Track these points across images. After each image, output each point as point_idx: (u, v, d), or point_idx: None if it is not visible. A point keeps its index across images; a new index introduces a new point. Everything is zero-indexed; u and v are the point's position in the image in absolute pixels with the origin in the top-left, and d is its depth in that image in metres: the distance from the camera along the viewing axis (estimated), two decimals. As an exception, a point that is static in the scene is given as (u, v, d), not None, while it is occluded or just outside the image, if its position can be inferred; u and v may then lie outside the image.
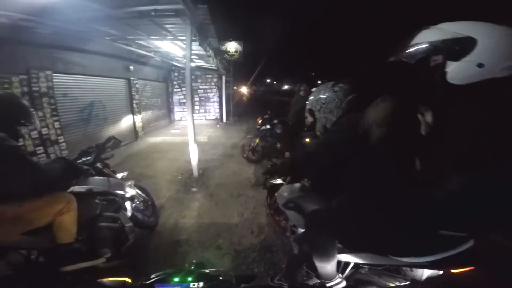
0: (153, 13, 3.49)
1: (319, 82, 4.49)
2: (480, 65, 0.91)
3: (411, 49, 1.08)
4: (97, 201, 2.03)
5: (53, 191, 1.74)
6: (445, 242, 1.13)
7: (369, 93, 1.49)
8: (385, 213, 1.15)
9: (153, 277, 0.69)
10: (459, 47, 0.94)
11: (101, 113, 6.14)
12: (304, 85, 4.32)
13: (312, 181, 1.89)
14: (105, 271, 1.91)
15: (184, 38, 4.89)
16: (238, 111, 13.66)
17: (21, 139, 2.00)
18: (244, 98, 17.48)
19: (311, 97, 1.64)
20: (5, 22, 3.25)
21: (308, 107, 1.66)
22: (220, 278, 0.68)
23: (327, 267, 1.44)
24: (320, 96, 1.58)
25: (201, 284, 0.64)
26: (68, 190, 1.89)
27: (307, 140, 4.05)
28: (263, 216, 3.28)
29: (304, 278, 1.77)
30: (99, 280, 0.66)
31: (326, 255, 1.42)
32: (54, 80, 4.54)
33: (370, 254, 1.35)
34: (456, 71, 0.97)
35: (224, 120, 11.53)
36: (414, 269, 1.37)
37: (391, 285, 1.42)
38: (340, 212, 1.42)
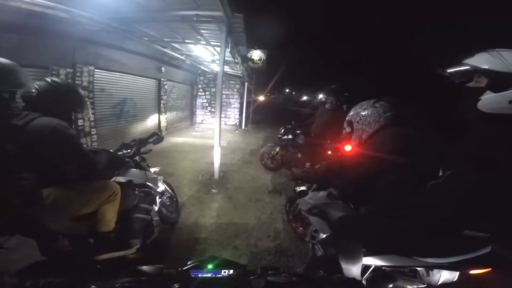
0: (195, 18, 3.68)
1: (345, 94, 4.49)
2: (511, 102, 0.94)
3: (464, 68, 1.06)
4: (136, 192, 2.08)
5: (101, 180, 1.83)
6: (467, 243, 1.17)
7: (407, 111, 1.60)
8: (413, 217, 1.20)
9: (189, 263, 0.74)
10: (507, 82, 0.94)
11: (132, 110, 6.39)
12: (331, 99, 4.34)
13: (341, 189, 1.94)
14: (134, 261, 1.96)
15: (216, 43, 5.12)
16: (256, 118, 13.74)
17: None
18: (264, 106, 17.56)
19: (352, 111, 1.73)
20: (61, 15, 3.46)
21: (348, 118, 1.75)
22: (247, 267, 0.73)
23: (353, 269, 1.48)
24: (360, 109, 1.68)
25: (231, 271, 0.68)
26: (112, 179, 1.97)
27: (330, 152, 4.10)
28: (280, 222, 3.31)
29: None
30: (138, 267, 0.69)
31: (353, 257, 1.47)
32: (95, 75, 4.79)
33: (393, 256, 1.40)
34: (489, 101, 0.99)
35: (243, 126, 11.63)
36: (431, 273, 1.41)
37: (409, 287, 1.46)
38: (367, 218, 1.50)
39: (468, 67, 1.04)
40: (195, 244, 2.72)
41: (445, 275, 1.39)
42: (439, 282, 1.39)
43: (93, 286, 0.54)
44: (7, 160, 1.31)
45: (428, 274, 1.45)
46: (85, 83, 4.58)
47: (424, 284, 1.44)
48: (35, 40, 3.72)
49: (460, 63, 1.07)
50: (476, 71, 1.03)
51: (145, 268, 0.68)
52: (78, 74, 4.43)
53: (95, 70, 4.82)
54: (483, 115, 1.02)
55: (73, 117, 1.76)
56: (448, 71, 1.13)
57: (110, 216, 1.80)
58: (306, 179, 2.51)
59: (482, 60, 1.00)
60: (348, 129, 1.76)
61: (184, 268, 0.69)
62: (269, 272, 0.70)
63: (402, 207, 1.26)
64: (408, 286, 1.48)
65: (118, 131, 5.85)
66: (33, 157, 1.42)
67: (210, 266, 0.70)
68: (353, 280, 0.79)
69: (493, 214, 1.02)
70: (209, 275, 0.68)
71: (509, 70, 0.93)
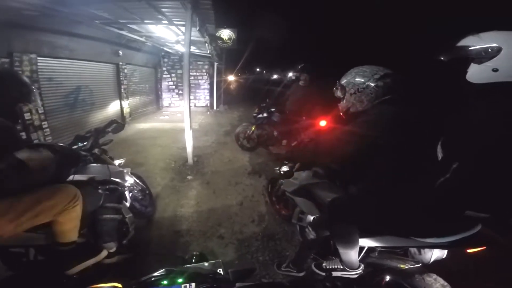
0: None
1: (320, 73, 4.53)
2: (495, 70, 1.09)
3: (456, 50, 1.23)
4: (100, 191, 1.77)
5: (54, 183, 1.46)
6: (465, 223, 1.21)
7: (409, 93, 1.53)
8: (412, 198, 1.24)
9: (144, 279, 0.64)
10: (488, 54, 1.11)
11: (88, 98, 5.91)
12: (304, 75, 4.30)
13: (327, 168, 1.87)
14: (109, 267, 1.75)
15: (179, 23, 4.65)
16: (228, 99, 13.31)
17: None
18: (235, 86, 17.07)
19: (349, 75, 1.51)
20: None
21: (342, 82, 1.54)
22: (216, 275, 0.65)
23: (351, 253, 1.46)
24: (359, 80, 1.45)
25: (193, 285, 0.59)
26: (68, 179, 1.64)
27: (306, 128, 4.13)
28: (263, 204, 3.18)
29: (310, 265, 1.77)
30: (92, 286, 0.61)
31: (349, 241, 1.44)
32: (38, 64, 4.28)
33: (390, 237, 1.39)
34: (474, 71, 1.16)
35: (215, 107, 11.24)
36: (422, 252, 1.42)
37: (403, 267, 1.46)
38: (362, 198, 1.44)
39: (457, 49, 1.22)
40: (177, 238, 2.50)
41: (436, 253, 1.40)
42: (431, 260, 1.40)
43: None
44: None
45: (420, 253, 1.45)
46: (27, 73, 3.99)
47: (419, 263, 1.43)
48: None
49: (452, 48, 1.25)
50: (463, 50, 1.19)
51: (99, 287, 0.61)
52: (17, 63, 3.86)
53: (38, 58, 4.26)
54: (476, 88, 1.16)
55: (19, 111, 1.46)
56: (442, 57, 1.29)
57: (70, 225, 1.47)
58: (293, 158, 2.39)
59: (465, 41, 1.20)
60: (339, 93, 1.57)
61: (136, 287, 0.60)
62: (241, 278, 0.62)
63: (399, 187, 1.28)
64: (401, 266, 1.47)
65: (75, 122, 5.30)
66: None
67: (165, 282, 0.60)
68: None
69: (494, 196, 1.09)
70: None
71: (485, 45, 1.11)
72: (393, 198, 1.29)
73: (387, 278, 1.43)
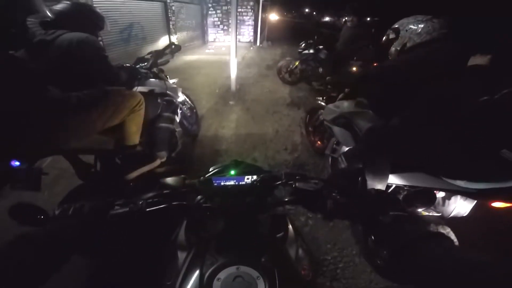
0: None
1: (375, 19, 4.01)
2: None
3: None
4: (158, 101, 1.91)
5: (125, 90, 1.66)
6: (499, 170, 1.09)
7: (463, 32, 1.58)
8: (449, 134, 1.16)
9: (211, 169, 0.66)
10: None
11: (140, 34, 6.32)
12: (351, 16, 3.97)
13: (373, 98, 1.76)
14: (160, 175, 1.90)
15: None
16: (272, 36, 12.39)
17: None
18: (280, 25, 15.63)
19: (403, 20, 1.60)
20: None
21: (395, 25, 1.63)
22: (272, 173, 0.65)
23: (378, 186, 1.37)
24: (414, 21, 1.53)
25: (255, 177, 0.61)
26: (133, 89, 1.80)
27: (354, 68, 3.85)
28: (298, 135, 3.13)
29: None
30: (161, 180, 0.63)
31: (380, 173, 1.35)
32: (94, 4, 4.49)
33: (421, 175, 1.31)
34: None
35: (258, 43, 10.70)
36: (446, 203, 1.37)
37: (423, 213, 1.37)
38: (400, 130, 1.38)
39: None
40: (216, 156, 2.65)
41: (458, 208, 1.35)
42: (451, 214, 1.36)
43: (116, 207, 0.53)
44: (31, 79, 1.21)
45: (443, 204, 1.39)
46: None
47: (439, 213, 1.39)
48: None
49: None
50: None
51: (167, 180, 0.64)
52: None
53: None
54: None
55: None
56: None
57: (135, 127, 1.65)
58: (338, 84, 2.29)
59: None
60: (392, 35, 1.63)
61: (206, 177, 0.63)
62: (296, 177, 0.61)
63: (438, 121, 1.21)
64: (422, 211, 1.38)
65: (129, 54, 5.62)
66: (60, 69, 1.38)
67: (232, 172, 0.63)
68: (388, 194, 0.63)
69: None
70: (231, 182, 0.62)
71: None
72: (432, 133, 1.22)
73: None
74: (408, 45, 1.54)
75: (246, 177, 0.61)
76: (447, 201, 1.37)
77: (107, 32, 4.82)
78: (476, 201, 1.30)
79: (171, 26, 7.46)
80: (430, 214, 1.35)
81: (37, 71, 1.27)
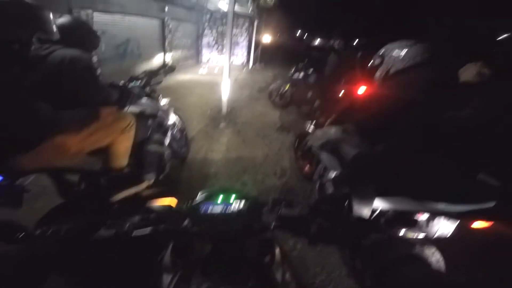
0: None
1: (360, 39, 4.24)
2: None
3: None
4: (149, 122, 1.89)
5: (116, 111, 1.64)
6: (477, 192, 1.18)
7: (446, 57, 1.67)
8: (430, 159, 1.24)
9: (200, 193, 0.67)
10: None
11: (136, 50, 6.31)
12: (338, 40, 4.28)
13: (360, 125, 1.83)
14: (147, 198, 1.85)
15: None
16: (265, 59, 12.79)
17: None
18: (273, 47, 16.16)
19: (388, 46, 1.65)
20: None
21: (380, 52, 1.68)
22: (257, 198, 0.66)
23: (364, 211, 1.36)
24: (397, 46, 1.58)
25: (242, 203, 0.62)
26: (124, 110, 1.78)
27: (342, 93, 3.88)
28: (287, 159, 3.16)
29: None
30: (147, 203, 0.65)
31: (366, 198, 1.35)
32: (94, 19, 4.58)
33: (405, 199, 1.35)
34: None
35: (251, 65, 10.93)
36: (430, 224, 1.42)
37: (410, 234, 1.47)
38: (385, 156, 1.44)
39: None
40: (205, 180, 2.62)
41: (442, 229, 1.41)
42: (436, 235, 1.41)
43: (101, 229, 0.52)
44: (22, 94, 1.19)
45: (427, 225, 1.44)
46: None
47: (424, 234, 1.44)
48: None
49: None
50: None
51: (154, 203, 0.65)
52: (76, 18, 4.11)
53: (94, 13, 4.54)
54: None
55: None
56: None
57: (124, 149, 1.63)
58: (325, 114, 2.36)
59: None
60: (377, 61, 1.68)
61: (193, 203, 0.64)
62: (282, 203, 0.63)
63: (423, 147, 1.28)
64: (408, 233, 1.48)
65: (124, 70, 5.60)
66: (51, 85, 1.37)
67: (220, 198, 0.64)
68: (368, 218, 0.71)
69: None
70: (219, 208, 0.62)
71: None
72: (415, 158, 1.28)
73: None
74: (391, 71, 1.58)
75: (233, 203, 0.62)
76: (431, 222, 1.42)
77: (105, 46, 4.96)
78: (459, 220, 1.36)
79: (166, 44, 7.50)
80: (416, 235, 1.44)
81: (29, 86, 1.24)
